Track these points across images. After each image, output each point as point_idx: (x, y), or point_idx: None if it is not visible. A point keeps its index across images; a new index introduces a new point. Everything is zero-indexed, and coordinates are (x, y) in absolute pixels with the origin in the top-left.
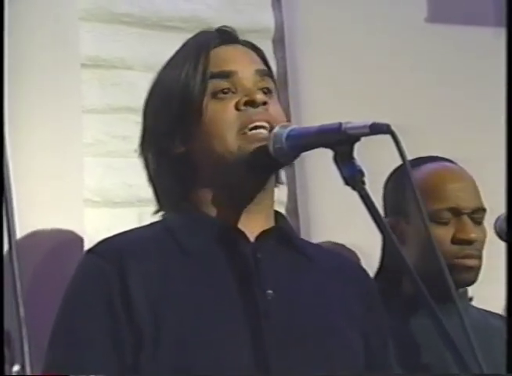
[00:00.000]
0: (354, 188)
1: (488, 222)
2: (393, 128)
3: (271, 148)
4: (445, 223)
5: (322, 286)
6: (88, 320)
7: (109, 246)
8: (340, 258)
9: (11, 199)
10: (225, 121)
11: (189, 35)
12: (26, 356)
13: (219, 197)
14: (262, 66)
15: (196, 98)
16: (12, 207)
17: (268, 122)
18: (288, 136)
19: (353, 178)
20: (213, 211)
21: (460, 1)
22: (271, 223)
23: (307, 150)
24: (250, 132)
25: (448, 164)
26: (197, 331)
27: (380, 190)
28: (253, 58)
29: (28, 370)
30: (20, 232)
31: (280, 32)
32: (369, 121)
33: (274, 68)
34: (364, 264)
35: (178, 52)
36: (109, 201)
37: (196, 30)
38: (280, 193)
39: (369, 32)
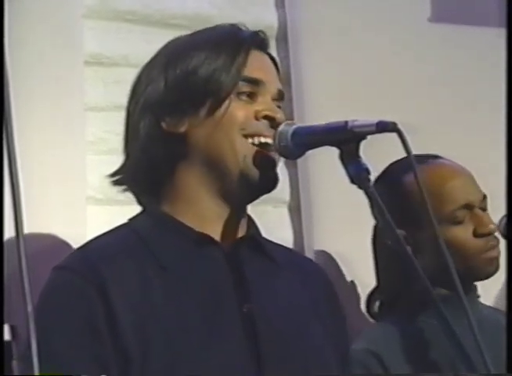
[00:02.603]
0: (360, 186)
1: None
2: (399, 126)
3: (276, 146)
4: (461, 222)
5: (292, 292)
6: (73, 347)
7: (84, 260)
8: (306, 262)
9: (19, 197)
10: (240, 123)
11: None
12: (34, 352)
13: (197, 205)
14: (282, 88)
15: (224, 90)
16: (20, 205)
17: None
18: (293, 134)
19: (359, 176)
20: (185, 217)
21: (463, 1)
22: (243, 230)
23: (312, 148)
24: (258, 148)
25: (445, 161)
26: (183, 349)
27: None
28: (276, 74)
29: (36, 366)
30: (24, 229)
31: (283, 31)
32: (376, 119)
33: None
34: (368, 263)
35: (207, 39)
36: (112, 199)
37: (200, 28)
38: (283, 192)
39: (372, 31)
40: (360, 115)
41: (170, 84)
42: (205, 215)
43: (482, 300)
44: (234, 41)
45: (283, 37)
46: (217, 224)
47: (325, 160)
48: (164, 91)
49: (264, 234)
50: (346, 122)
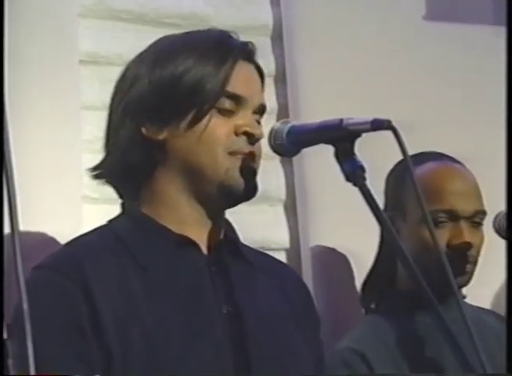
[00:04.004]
0: (355, 184)
1: (488, 223)
2: (394, 123)
3: (271, 144)
4: (441, 226)
5: (270, 295)
6: (57, 345)
7: (66, 259)
8: (281, 266)
9: (14, 196)
10: (222, 141)
11: None
12: (29, 351)
13: (176, 208)
14: (264, 102)
15: (206, 103)
16: (15, 204)
17: (255, 156)
18: (289, 132)
19: (354, 174)
20: (164, 219)
21: None
22: (221, 233)
23: (307, 146)
24: (239, 157)
25: (450, 163)
26: (164, 350)
27: (381, 186)
28: (260, 87)
29: (32, 365)
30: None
31: (279, 29)
32: (371, 117)
33: (272, 66)
34: (364, 261)
35: (197, 44)
36: (108, 198)
37: (195, 28)
38: (279, 191)
39: (367, 29)
40: (356, 113)
41: (154, 85)
42: (184, 219)
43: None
44: (222, 51)
45: (278, 35)
46: (196, 227)
47: (321, 159)
48: (147, 94)
49: (260, 233)
50: (341, 120)
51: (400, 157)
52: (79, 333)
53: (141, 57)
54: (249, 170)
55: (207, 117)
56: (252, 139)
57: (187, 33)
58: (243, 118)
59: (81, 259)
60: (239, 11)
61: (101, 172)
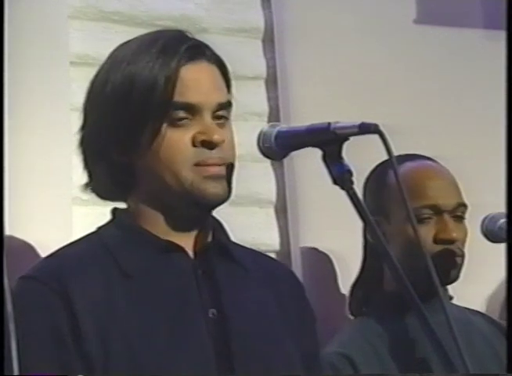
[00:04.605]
0: (342, 187)
1: (476, 219)
2: (381, 127)
3: (260, 147)
4: (426, 222)
5: (260, 297)
6: (35, 352)
7: (50, 270)
8: (274, 265)
9: (2, 197)
10: (181, 155)
11: None
12: (13, 353)
13: (160, 217)
14: (224, 98)
15: (150, 121)
16: (2, 205)
17: (223, 162)
18: (277, 136)
19: (341, 177)
20: (151, 227)
21: (449, 2)
22: (209, 235)
23: (296, 150)
24: (205, 169)
25: (427, 162)
26: (146, 357)
27: None
28: (217, 83)
29: (15, 367)
30: (9, 230)
31: (270, 32)
32: (358, 121)
33: (264, 68)
34: (353, 263)
35: (141, 53)
36: (98, 200)
37: (187, 30)
38: (269, 193)
39: (358, 32)
40: (347, 115)
41: (109, 104)
42: (170, 226)
43: (462, 301)
44: (166, 59)
45: (269, 38)
46: (182, 233)
47: (311, 161)
48: (109, 116)
49: (250, 234)
50: (329, 124)
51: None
52: (59, 341)
53: (101, 68)
54: (217, 177)
55: (162, 132)
56: (211, 145)
57: (140, 37)
58: (199, 126)
59: (63, 269)
60: (230, 13)
61: (89, 190)
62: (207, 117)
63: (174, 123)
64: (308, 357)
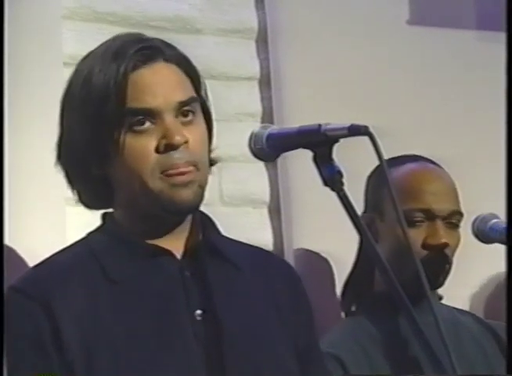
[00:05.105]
0: (333, 189)
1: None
2: (371, 129)
3: (251, 148)
4: (417, 226)
5: (252, 296)
6: (17, 364)
7: (34, 281)
8: (269, 259)
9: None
10: (146, 164)
11: (173, 35)
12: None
13: (143, 222)
14: (186, 95)
15: (112, 131)
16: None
17: (192, 164)
18: (268, 137)
19: (332, 179)
20: (137, 232)
21: (442, 4)
22: (198, 234)
23: (287, 151)
24: (173, 177)
25: (428, 164)
26: (130, 364)
27: (359, 191)
28: (177, 82)
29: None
30: (8, 230)
31: (264, 33)
32: (348, 123)
33: (257, 69)
34: (347, 263)
35: (95, 58)
36: None
37: (181, 30)
38: (263, 193)
39: (351, 34)
40: (339, 117)
41: (80, 114)
42: (153, 232)
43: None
44: (116, 64)
45: (263, 39)
46: (168, 236)
47: (305, 162)
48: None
49: (244, 234)
50: (319, 125)
51: (378, 161)
52: (41, 353)
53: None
54: (187, 183)
55: (122, 140)
56: (173, 148)
57: (101, 44)
58: (162, 130)
59: (48, 279)
60: (224, 14)
61: (76, 201)
62: (169, 118)
63: (134, 130)
64: (306, 351)
